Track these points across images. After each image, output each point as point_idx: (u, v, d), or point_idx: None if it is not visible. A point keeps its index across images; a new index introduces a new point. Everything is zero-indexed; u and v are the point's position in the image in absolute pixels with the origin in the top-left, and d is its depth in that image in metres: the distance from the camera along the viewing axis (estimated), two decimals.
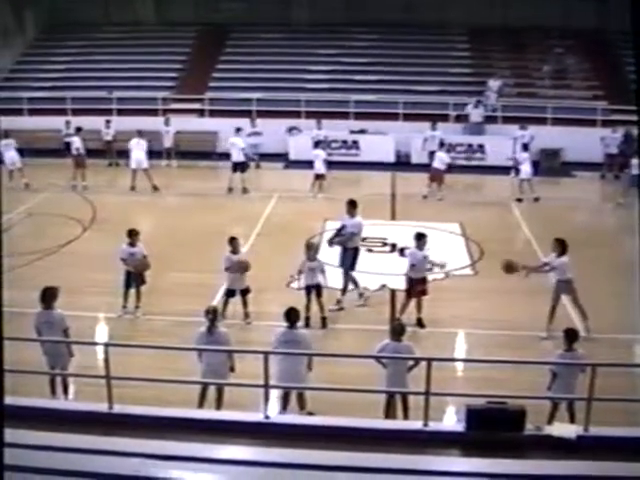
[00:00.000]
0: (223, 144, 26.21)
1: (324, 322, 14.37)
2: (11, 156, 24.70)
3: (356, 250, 15.53)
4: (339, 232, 15.45)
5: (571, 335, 10.35)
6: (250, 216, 21.48)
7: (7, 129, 25.21)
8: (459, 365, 12.77)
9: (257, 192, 24.48)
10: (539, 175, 24.55)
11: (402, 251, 15.79)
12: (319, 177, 24.14)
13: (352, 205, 15.54)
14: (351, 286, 15.44)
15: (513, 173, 25.89)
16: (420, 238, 14.31)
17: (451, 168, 24.37)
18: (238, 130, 25.27)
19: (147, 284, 14.98)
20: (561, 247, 13.81)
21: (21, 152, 25.31)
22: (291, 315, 10.68)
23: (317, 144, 24.87)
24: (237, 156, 24.54)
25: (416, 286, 14.23)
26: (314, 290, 14.39)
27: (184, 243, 19.00)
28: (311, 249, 14.51)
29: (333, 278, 15.60)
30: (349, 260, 15.40)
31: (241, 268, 14.23)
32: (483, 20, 32.60)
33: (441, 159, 23.85)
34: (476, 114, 29.05)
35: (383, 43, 33.13)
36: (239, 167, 24.54)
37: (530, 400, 9.22)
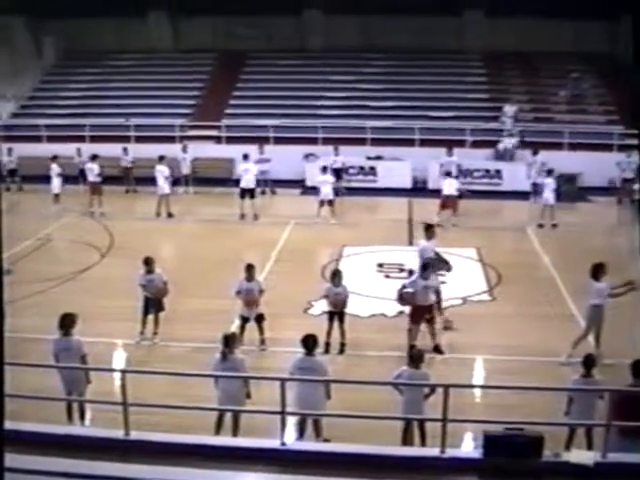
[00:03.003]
0: (236, 171, 26.34)
1: (343, 348, 14.39)
2: (54, 181, 25.44)
3: None
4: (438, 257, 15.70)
5: (589, 361, 10.32)
6: (267, 242, 21.56)
7: (55, 155, 26.16)
8: (476, 391, 12.72)
9: (274, 218, 24.56)
10: (558, 201, 24.49)
11: (410, 274, 15.85)
12: (327, 203, 24.21)
13: (428, 229, 15.83)
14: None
15: (533, 198, 25.87)
16: (426, 268, 14.32)
17: (462, 194, 24.37)
18: (245, 157, 25.38)
19: (165, 311, 15.04)
20: (593, 272, 13.69)
21: (66, 179, 26.00)
22: (308, 342, 10.70)
23: (324, 170, 24.86)
24: (246, 183, 24.65)
25: (420, 314, 14.21)
26: (337, 316, 14.46)
27: (201, 269, 19.08)
28: (337, 276, 14.61)
29: (355, 305, 15.70)
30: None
31: (248, 299, 14.33)
32: (499, 46, 32.75)
33: (452, 185, 23.88)
34: (508, 142, 29.07)
35: (399, 69, 33.36)
36: (247, 193, 24.65)
37: (548, 426, 9.19)
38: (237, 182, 25.85)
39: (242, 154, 25.57)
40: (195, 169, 28.54)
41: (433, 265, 15.40)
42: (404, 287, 14.41)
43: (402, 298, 14.39)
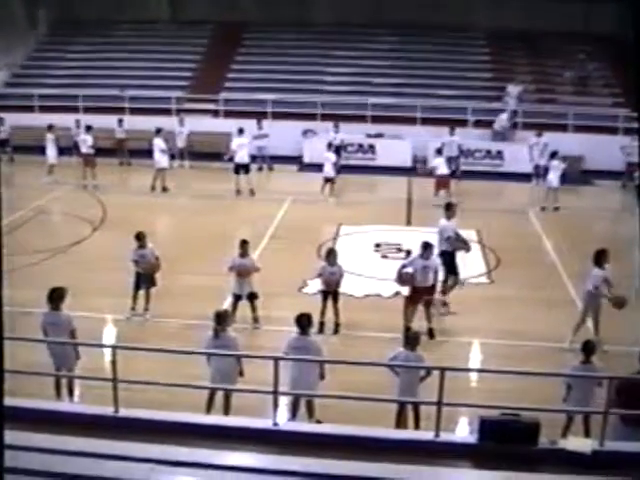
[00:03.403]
0: (230, 146, 26.27)
1: (337, 328, 14.41)
2: (50, 151, 25.39)
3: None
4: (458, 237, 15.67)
5: (588, 347, 10.30)
6: (263, 219, 21.52)
7: (50, 124, 25.97)
8: (473, 375, 12.73)
9: (270, 195, 24.50)
10: (563, 183, 24.41)
11: (408, 255, 15.85)
12: (328, 180, 24.16)
13: (448, 208, 15.87)
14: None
15: (535, 181, 25.78)
16: (426, 248, 14.28)
17: (455, 173, 24.28)
18: (241, 131, 25.26)
19: (157, 286, 15.01)
20: (595, 257, 13.67)
21: (60, 150, 25.88)
22: (302, 321, 10.67)
23: (329, 147, 24.82)
24: (241, 157, 24.53)
25: (420, 295, 14.20)
26: (331, 296, 14.44)
27: (195, 245, 19.04)
28: (332, 254, 14.58)
29: (350, 285, 15.69)
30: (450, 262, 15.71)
31: (242, 272, 14.27)
32: (504, 24, 32.52)
33: (444, 165, 23.83)
34: (506, 122, 28.93)
35: (402, 46, 33.16)
36: (242, 169, 24.56)
37: (545, 413, 9.18)
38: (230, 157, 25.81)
39: (237, 128, 25.43)
40: (191, 143, 28.42)
41: (453, 245, 15.44)
42: (404, 267, 14.39)
43: (401, 278, 14.36)
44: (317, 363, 10.45)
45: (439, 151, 24.68)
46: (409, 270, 14.22)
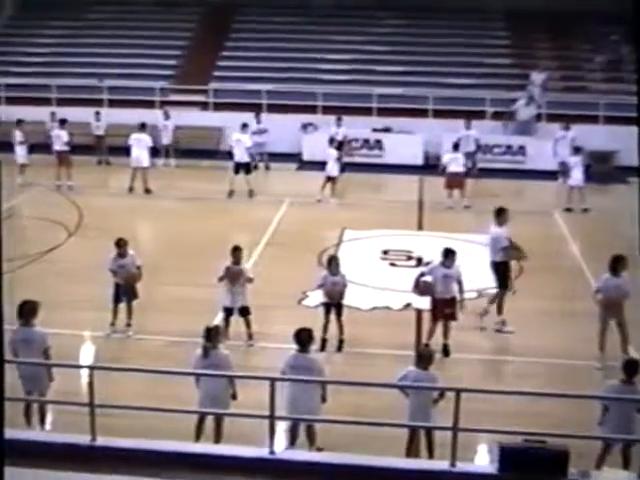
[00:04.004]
0: (228, 142, 26.31)
1: (341, 345, 14.41)
2: (18, 150, 25.44)
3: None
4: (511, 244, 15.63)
5: (631, 366, 10.13)
6: (258, 223, 21.52)
7: (19, 119, 25.95)
8: (492, 397, 12.69)
9: (266, 196, 24.51)
10: (588, 181, 24.43)
11: (419, 263, 15.85)
12: (330, 180, 24.20)
13: (499, 213, 15.71)
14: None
15: (561, 179, 25.80)
16: (448, 255, 14.26)
17: (470, 171, 24.26)
18: (244, 126, 25.33)
19: (139, 299, 15.01)
20: (611, 264, 13.76)
21: (32, 147, 25.88)
22: (302, 337, 10.67)
23: (331, 142, 24.83)
24: (241, 156, 24.60)
25: (440, 308, 14.19)
26: (334, 309, 14.45)
27: (183, 253, 19.04)
28: (334, 262, 14.58)
29: (355, 296, 15.73)
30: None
31: (234, 278, 14.26)
32: (525, 4, 32.52)
33: (459, 161, 23.80)
34: (526, 112, 28.96)
35: (411, 29, 33.22)
36: (242, 168, 24.60)
37: (575, 439, 9.11)
38: (227, 155, 25.81)
39: (241, 123, 25.38)
40: (177, 139, 28.46)
41: (508, 255, 15.35)
42: (422, 275, 14.39)
43: (418, 287, 14.36)
44: (318, 384, 10.45)
45: (456, 146, 24.62)
46: (428, 279, 14.23)
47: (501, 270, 15.52)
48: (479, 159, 27.39)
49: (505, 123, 29.08)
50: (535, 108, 29.17)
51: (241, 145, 24.68)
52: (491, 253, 15.53)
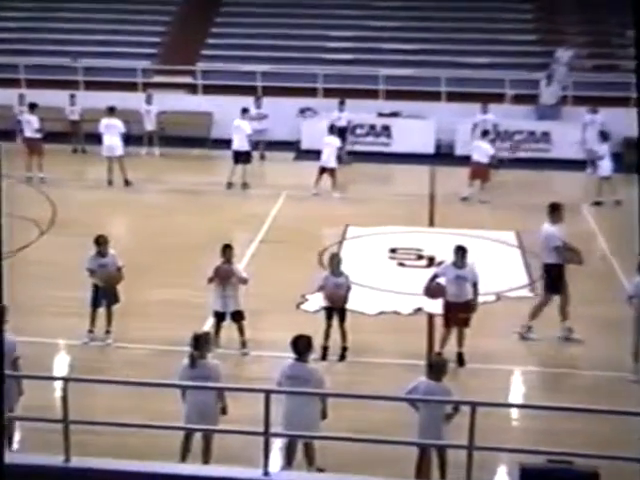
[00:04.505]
0: (222, 128, 26.24)
1: (344, 354, 14.42)
2: None
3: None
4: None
5: None
6: (252, 219, 21.58)
7: None
8: (511, 412, 12.72)
9: (261, 189, 24.54)
10: (619, 171, 24.42)
11: (431, 263, 15.83)
12: (326, 171, 24.18)
13: (554, 210, 15.63)
14: None
15: (590, 169, 25.79)
16: (459, 252, 14.26)
17: (495, 162, 24.24)
18: (245, 111, 25.28)
19: (120, 303, 15.01)
20: None
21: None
22: (299, 344, 10.69)
23: (331, 129, 24.77)
24: (240, 144, 24.62)
25: (454, 313, 14.19)
26: (336, 313, 14.47)
27: (168, 252, 19.05)
28: (336, 262, 14.60)
29: (360, 300, 15.73)
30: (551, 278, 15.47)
31: (225, 279, 14.26)
32: None
33: (482, 150, 23.79)
34: (548, 94, 28.94)
35: (422, 2, 33.15)
36: (242, 157, 24.64)
37: (607, 460, 9.09)
38: (217, 142, 25.81)
39: (241, 108, 25.34)
40: (162, 125, 28.47)
41: (563, 257, 15.24)
42: (436, 276, 14.40)
43: (429, 290, 14.38)
44: (318, 397, 10.46)
45: (485, 133, 24.65)
46: (441, 280, 14.24)
47: (553, 274, 15.32)
48: (498, 147, 27.34)
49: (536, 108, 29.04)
50: (559, 88, 29.15)
51: (241, 132, 24.69)
52: (543, 254, 15.43)
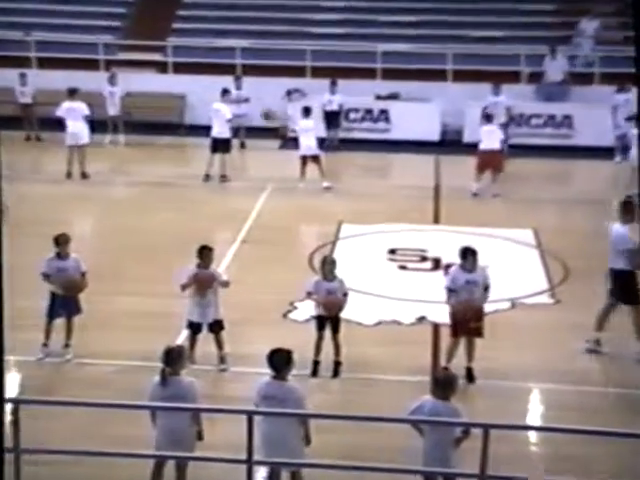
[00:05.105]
0: (197, 113, 26.22)
1: (337, 369, 14.41)
2: None
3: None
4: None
5: None
6: (232, 216, 21.63)
7: None
8: (529, 435, 12.73)
9: (242, 182, 24.58)
10: None
11: (448, 269, 15.80)
12: (310, 159, 24.21)
13: (625, 207, 15.45)
14: None
15: (618, 156, 25.82)
16: (466, 255, 14.24)
17: (505, 149, 24.28)
18: (225, 92, 25.25)
19: (82, 313, 14.97)
20: None
21: None
22: (275, 359, 10.63)
23: (307, 112, 24.64)
24: (220, 130, 24.62)
25: (463, 321, 14.18)
26: (329, 323, 14.47)
27: (137, 255, 19.07)
28: (328, 265, 14.61)
29: (356, 308, 15.72)
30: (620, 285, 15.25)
31: (202, 285, 14.24)
32: None
33: (492, 135, 23.75)
34: (554, 69, 28.90)
35: None
36: (221, 146, 24.64)
37: None
38: (192, 129, 25.77)
39: (222, 89, 25.34)
40: (128, 109, 28.44)
41: (634, 261, 14.96)
42: (451, 291, 14.27)
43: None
44: (298, 419, 10.43)
45: (487, 117, 24.60)
46: (452, 287, 14.19)
47: (623, 281, 15.09)
48: (512, 133, 27.37)
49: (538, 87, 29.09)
50: (565, 62, 29.03)
51: (220, 117, 24.69)
52: (611, 258, 15.28)
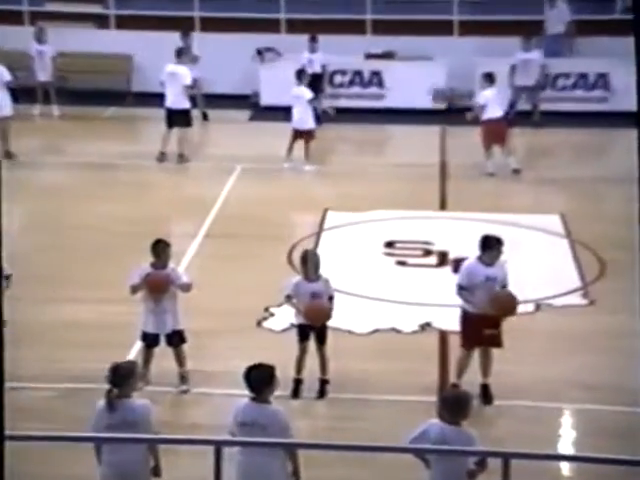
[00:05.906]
0: (147, 77, 26.25)
1: (324, 389, 14.43)
2: None
3: None
4: None
5: None
6: (193, 204, 21.68)
7: None
8: (555, 466, 12.79)
9: (206, 162, 24.60)
10: None
11: (457, 265, 15.83)
12: (302, 135, 24.36)
13: None
14: None
15: None
16: (488, 245, 14.21)
17: (512, 115, 24.35)
18: (180, 52, 25.18)
19: (6, 325, 14.93)
20: None
21: None
22: (254, 378, 10.66)
23: (300, 75, 24.71)
24: (176, 99, 24.63)
25: (478, 327, 14.19)
26: (314, 333, 14.50)
27: (76, 253, 19.06)
28: (311, 262, 14.63)
29: (346, 314, 15.81)
30: None
31: (157, 289, 14.23)
32: None
33: (497, 101, 23.76)
34: (554, 20, 28.79)
35: None
36: (178, 119, 24.67)
37: None
38: (140, 97, 25.77)
39: (176, 49, 25.32)
40: (62, 74, 28.40)
41: None
42: (462, 288, 14.23)
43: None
44: (282, 451, 10.47)
45: (489, 77, 24.47)
46: (465, 285, 14.13)
47: None
48: (542, 97, 27.39)
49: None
50: (568, 13, 28.99)
51: (176, 83, 24.66)
52: None
